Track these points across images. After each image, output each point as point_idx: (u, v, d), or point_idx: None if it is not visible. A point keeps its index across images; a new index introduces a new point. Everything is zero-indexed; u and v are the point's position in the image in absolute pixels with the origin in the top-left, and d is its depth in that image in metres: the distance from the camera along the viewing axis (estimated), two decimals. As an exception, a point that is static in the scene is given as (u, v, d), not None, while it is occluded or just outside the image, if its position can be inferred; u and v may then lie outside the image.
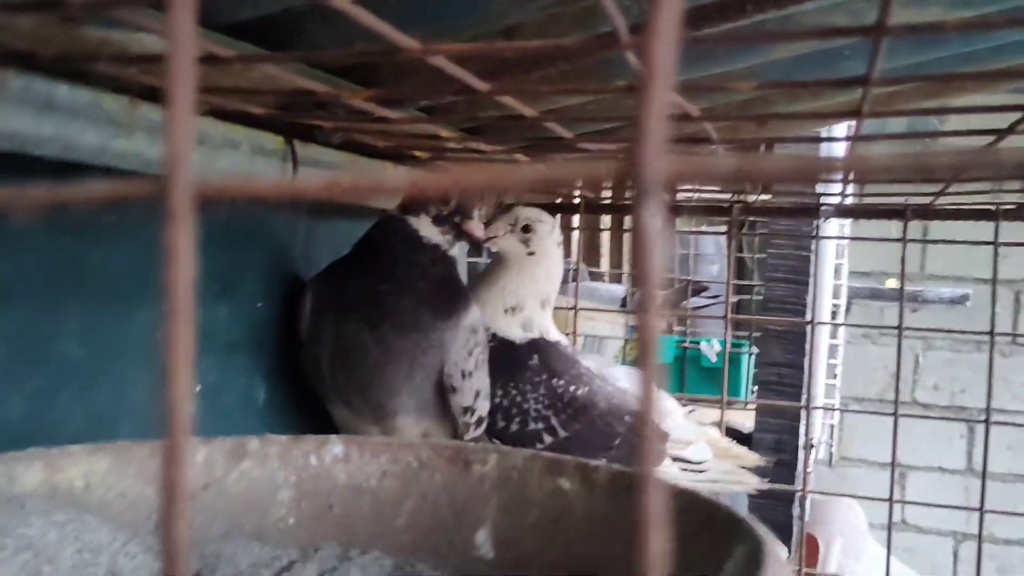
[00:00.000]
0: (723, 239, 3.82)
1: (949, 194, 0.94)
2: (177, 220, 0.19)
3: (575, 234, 1.50)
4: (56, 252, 0.59)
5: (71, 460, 0.53)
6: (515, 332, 0.96)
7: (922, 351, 2.70)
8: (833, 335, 1.83)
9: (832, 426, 1.68)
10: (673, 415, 1.08)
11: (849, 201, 1.14)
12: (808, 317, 1.42)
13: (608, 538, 0.52)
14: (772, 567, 0.34)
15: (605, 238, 2.72)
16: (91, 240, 0.61)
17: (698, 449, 1.03)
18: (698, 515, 0.46)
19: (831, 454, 1.93)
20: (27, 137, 0.47)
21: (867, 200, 1.12)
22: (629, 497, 0.53)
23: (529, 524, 0.55)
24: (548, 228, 0.99)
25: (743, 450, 1.09)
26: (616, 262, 2.74)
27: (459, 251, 0.90)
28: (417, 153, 0.86)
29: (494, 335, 0.94)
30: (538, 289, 0.98)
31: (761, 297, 1.88)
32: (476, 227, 0.80)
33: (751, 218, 1.55)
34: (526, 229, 0.97)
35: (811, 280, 1.39)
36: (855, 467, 2.79)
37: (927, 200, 1.01)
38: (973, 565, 2.95)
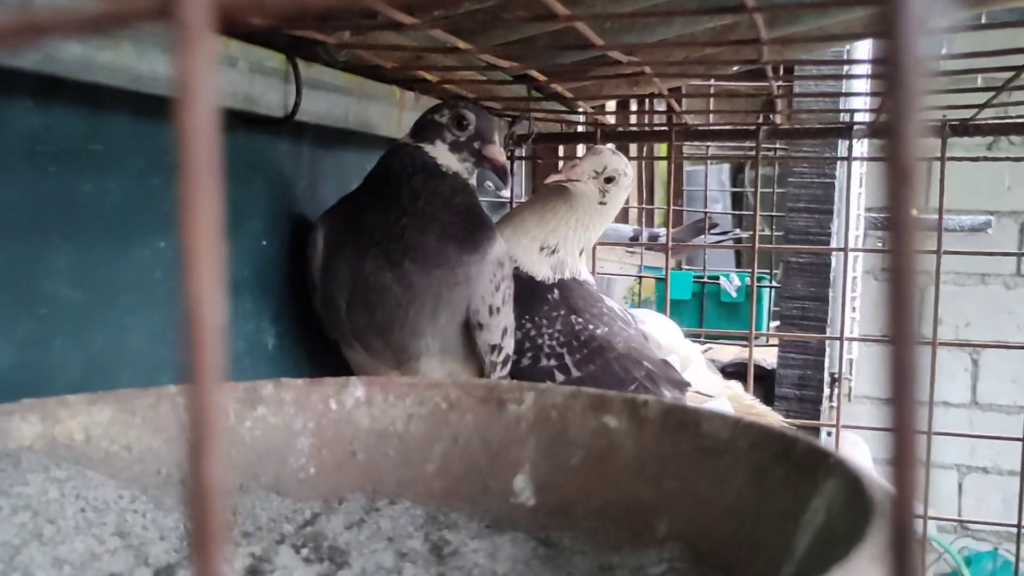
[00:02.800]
0: (725, 176, 3.75)
1: (994, 106, 0.88)
2: (192, 41, 0.14)
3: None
4: (42, 184, 0.53)
5: (69, 411, 0.49)
6: (544, 271, 0.93)
7: (926, 285, 2.67)
8: (853, 268, 1.78)
9: (851, 360, 1.65)
10: (696, 365, 1.04)
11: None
12: (834, 245, 1.36)
13: (661, 478, 0.48)
14: (882, 505, 0.30)
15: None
16: (79, 171, 0.55)
17: (719, 404, 0.98)
18: (769, 448, 0.42)
19: (850, 389, 1.91)
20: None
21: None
22: (683, 434, 0.49)
23: (572, 467, 0.51)
24: (627, 183, 0.95)
25: (766, 409, 1.05)
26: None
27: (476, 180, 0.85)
28: (426, 76, 0.79)
29: (517, 268, 0.89)
30: (584, 237, 0.95)
31: (775, 232, 1.83)
32: (498, 152, 0.74)
33: (777, 144, 1.48)
34: (609, 179, 0.94)
35: (835, 208, 1.34)
36: (860, 404, 2.78)
37: (968, 115, 0.95)
38: (977, 497, 2.95)
